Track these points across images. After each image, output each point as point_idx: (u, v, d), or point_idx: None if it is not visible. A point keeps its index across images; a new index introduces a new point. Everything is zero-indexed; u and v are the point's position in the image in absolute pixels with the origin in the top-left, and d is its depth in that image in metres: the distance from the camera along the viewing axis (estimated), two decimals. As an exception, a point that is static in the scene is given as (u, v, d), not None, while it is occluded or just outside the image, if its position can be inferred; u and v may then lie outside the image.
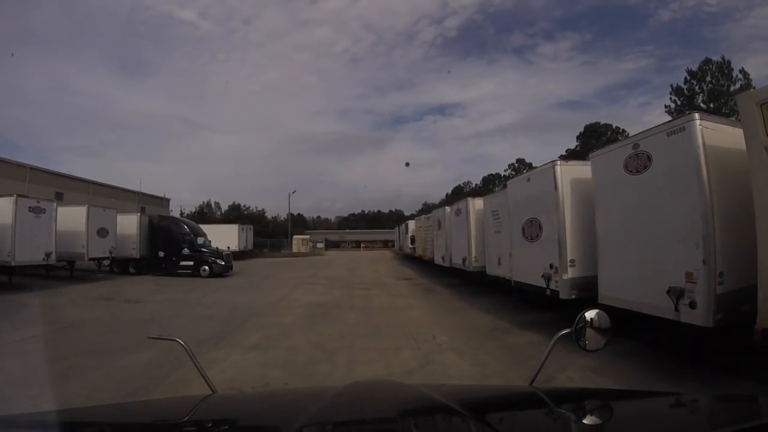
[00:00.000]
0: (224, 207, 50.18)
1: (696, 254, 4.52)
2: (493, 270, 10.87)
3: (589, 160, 6.67)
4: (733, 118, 7.18)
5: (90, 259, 16.06)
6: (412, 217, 36.93)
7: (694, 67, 32.73)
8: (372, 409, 1.30)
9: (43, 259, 13.08)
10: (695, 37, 64.02)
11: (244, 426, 1.28)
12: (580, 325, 1.47)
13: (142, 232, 18.23)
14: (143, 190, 39.34)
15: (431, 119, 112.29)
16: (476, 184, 58.87)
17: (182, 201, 72.55)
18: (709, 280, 4.39)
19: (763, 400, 1.43)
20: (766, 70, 48.57)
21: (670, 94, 33.52)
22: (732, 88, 29.84)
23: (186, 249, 17.75)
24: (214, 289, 13.44)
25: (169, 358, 4.66)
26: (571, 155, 30.66)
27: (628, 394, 1.88)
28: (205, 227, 21.39)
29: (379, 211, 77.26)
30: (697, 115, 4.77)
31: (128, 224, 17.87)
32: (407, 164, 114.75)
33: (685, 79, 32.81)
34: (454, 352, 5.86)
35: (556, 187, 7.19)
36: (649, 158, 5.29)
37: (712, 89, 31.45)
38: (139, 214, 19.56)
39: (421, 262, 21.35)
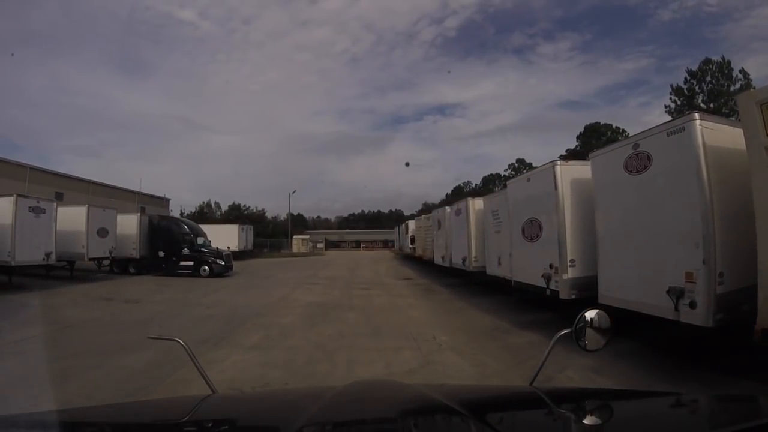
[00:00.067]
0: (224, 207, 50.19)
1: (696, 254, 4.52)
2: (493, 270, 10.87)
3: (589, 160, 6.67)
4: (733, 118, 7.17)
5: (90, 259, 16.06)
6: (412, 217, 36.93)
7: (694, 67, 32.83)
8: (372, 409, 1.30)
9: (43, 259, 13.08)
10: (695, 37, 64.12)
11: (244, 426, 1.28)
12: (580, 325, 1.47)
13: (142, 232, 18.23)
14: (143, 190, 39.45)
15: (431, 119, 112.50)
16: (476, 184, 58.96)
17: (182, 201, 72.71)
18: (709, 280, 4.39)
19: (763, 400, 1.43)
20: (766, 70, 48.67)
21: (670, 94, 33.61)
22: (732, 88, 29.85)
23: (186, 249, 17.76)
24: (214, 289, 13.44)
25: (169, 358, 4.66)
26: (571, 155, 30.65)
27: (628, 394, 1.88)
28: (205, 227, 21.38)
29: (379, 211, 77.41)
30: (697, 115, 4.77)
31: (128, 224, 17.87)
32: (407, 164, 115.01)
33: (685, 79, 32.88)
34: (454, 352, 5.86)
35: (556, 187, 7.19)
36: (649, 158, 5.29)
37: (712, 89, 31.46)
38: (139, 214, 19.55)
39: (421, 262, 21.35)
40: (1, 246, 12.01)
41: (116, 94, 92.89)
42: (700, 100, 31.35)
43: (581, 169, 6.96)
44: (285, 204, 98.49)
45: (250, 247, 32.89)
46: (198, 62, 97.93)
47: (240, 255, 27.33)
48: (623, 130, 38.79)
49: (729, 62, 31.64)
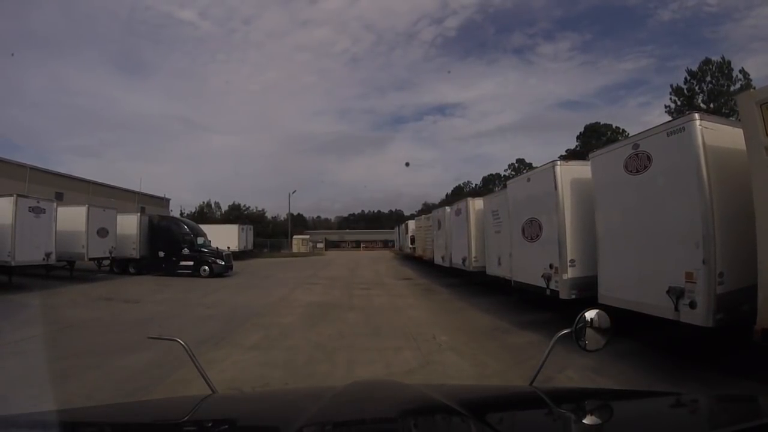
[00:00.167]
0: (224, 207, 50.21)
1: (696, 254, 4.52)
2: (493, 270, 10.87)
3: (589, 160, 6.67)
4: (733, 118, 7.18)
5: (90, 259, 16.06)
6: (412, 217, 36.92)
7: (694, 67, 32.79)
8: (372, 409, 1.30)
9: (43, 259, 13.08)
10: (695, 37, 64.07)
11: (244, 426, 1.28)
12: (580, 325, 1.47)
13: (142, 232, 18.23)
14: (143, 190, 39.45)
15: (431, 119, 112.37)
16: (476, 184, 58.96)
17: (182, 201, 72.68)
18: (709, 280, 4.39)
19: (763, 400, 1.43)
20: (766, 70, 48.60)
21: (670, 94, 33.58)
22: (732, 88, 29.83)
23: (186, 249, 17.76)
24: (214, 289, 13.44)
25: (169, 358, 4.66)
26: (571, 155, 30.65)
27: (628, 394, 1.88)
28: (205, 227, 21.37)
29: (379, 211, 77.37)
30: (697, 115, 4.77)
31: (128, 224, 17.86)
32: (407, 164, 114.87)
33: (685, 79, 32.86)
34: (454, 352, 5.86)
35: (556, 187, 7.19)
36: (649, 158, 5.29)
37: (712, 89, 31.44)
38: (139, 214, 19.54)
39: (421, 262, 21.35)
40: (1, 246, 12.01)
41: (116, 94, 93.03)
42: (700, 100, 31.34)
43: (581, 169, 6.96)
44: (285, 204, 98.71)
45: (250, 247, 32.89)
46: (198, 62, 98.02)
47: (240, 255, 27.33)
48: (623, 130, 38.87)
49: (729, 62, 31.68)
